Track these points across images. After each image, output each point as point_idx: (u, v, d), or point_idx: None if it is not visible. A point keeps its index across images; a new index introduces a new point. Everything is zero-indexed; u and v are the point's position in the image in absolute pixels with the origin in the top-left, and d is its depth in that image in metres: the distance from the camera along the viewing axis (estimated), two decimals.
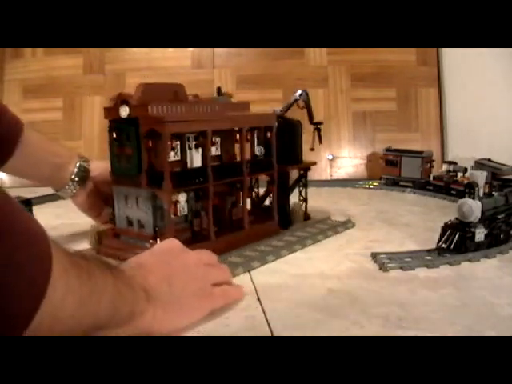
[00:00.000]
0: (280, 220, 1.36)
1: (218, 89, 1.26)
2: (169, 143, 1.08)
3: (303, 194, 1.49)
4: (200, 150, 1.15)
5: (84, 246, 1.29)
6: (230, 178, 1.21)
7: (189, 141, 1.13)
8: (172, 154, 1.10)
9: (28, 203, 1.37)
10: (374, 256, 1.12)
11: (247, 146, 1.24)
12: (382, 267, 1.06)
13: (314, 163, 1.52)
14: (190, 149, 1.13)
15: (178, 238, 0.97)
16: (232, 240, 1.21)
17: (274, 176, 1.30)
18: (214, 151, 1.19)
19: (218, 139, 1.19)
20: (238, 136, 1.21)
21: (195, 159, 1.14)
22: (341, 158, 2.38)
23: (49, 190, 2.04)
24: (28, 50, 2.39)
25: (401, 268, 1.06)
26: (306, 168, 1.49)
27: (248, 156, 1.26)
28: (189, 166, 1.13)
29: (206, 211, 1.17)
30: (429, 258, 1.11)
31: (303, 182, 1.48)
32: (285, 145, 1.38)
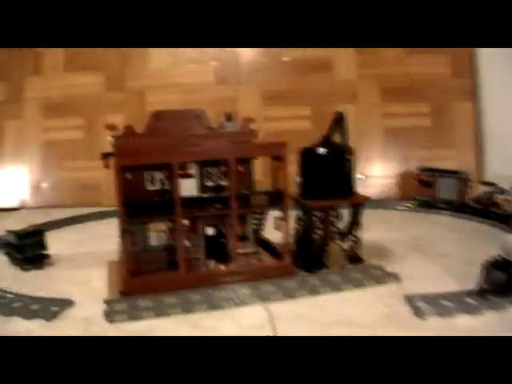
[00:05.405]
0: (304, 262, 1.24)
1: (227, 115, 1.20)
2: (148, 173, 1.14)
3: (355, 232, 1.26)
4: (192, 180, 1.16)
5: (102, 280, 1.22)
6: (206, 212, 1.14)
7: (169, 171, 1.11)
8: (149, 184, 1.15)
9: (39, 233, 1.29)
10: (409, 299, 1.02)
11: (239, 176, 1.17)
12: (418, 313, 0.96)
13: (368, 198, 1.27)
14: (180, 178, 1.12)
15: (145, 267, 1.11)
16: (204, 275, 1.13)
17: (285, 211, 1.17)
18: (207, 182, 1.18)
19: (194, 170, 1.17)
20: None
21: (183, 189, 1.12)
22: (371, 177, 2.27)
23: (65, 213, 1.94)
24: (48, 67, 2.35)
25: (438, 314, 0.96)
26: (357, 204, 1.25)
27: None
28: (176, 195, 1.10)
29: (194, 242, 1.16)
30: (469, 300, 1.00)
31: (354, 218, 1.25)
32: (331, 175, 1.20)
